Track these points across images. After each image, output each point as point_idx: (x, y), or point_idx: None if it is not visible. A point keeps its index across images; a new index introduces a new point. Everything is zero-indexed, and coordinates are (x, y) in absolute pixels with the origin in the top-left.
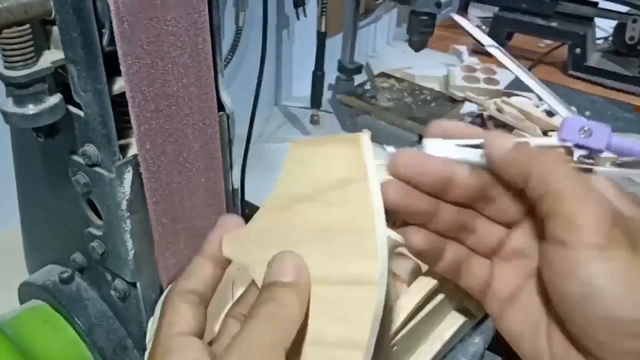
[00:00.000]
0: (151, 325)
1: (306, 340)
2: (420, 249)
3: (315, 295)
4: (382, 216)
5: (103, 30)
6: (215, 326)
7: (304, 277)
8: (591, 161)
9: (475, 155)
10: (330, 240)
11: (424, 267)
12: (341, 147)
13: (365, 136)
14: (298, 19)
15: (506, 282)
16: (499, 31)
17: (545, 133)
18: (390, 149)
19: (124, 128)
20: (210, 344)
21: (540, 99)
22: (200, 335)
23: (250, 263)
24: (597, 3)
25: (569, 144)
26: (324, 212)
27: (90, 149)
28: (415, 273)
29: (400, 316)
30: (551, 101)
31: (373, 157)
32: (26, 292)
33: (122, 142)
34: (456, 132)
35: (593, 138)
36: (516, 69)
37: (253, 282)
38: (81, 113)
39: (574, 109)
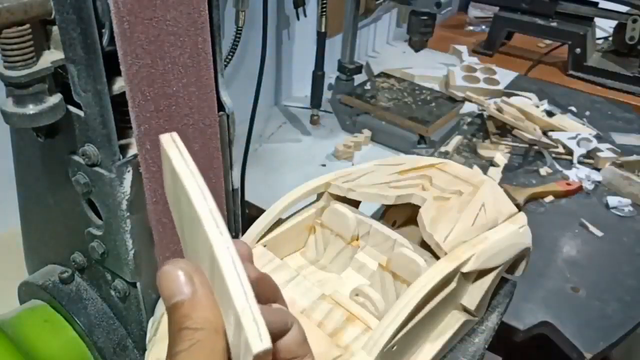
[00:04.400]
0: (151, 325)
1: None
2: None
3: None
4: (193, 180)
5: (103, 30)
6: None
7: (197, 279)
8: None
9: None
10: (187, 237)
11: (424, 268)
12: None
13: (164, 135)
14: (298, 19)
15: None
16: (499, 31)
17: (545, 133)
18: None
19: (124, 128)
20: None
21: None
22: None
23: None
24: (597, 3)
25: None
26: (177, 211)
27: (90, 149)
28: (416, 274)
29: (400, 316)
30: None
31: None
32: (26, 292)
33: (122, 142)
34: None
35: None
36: None
37: None
38: (81, 113)
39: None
